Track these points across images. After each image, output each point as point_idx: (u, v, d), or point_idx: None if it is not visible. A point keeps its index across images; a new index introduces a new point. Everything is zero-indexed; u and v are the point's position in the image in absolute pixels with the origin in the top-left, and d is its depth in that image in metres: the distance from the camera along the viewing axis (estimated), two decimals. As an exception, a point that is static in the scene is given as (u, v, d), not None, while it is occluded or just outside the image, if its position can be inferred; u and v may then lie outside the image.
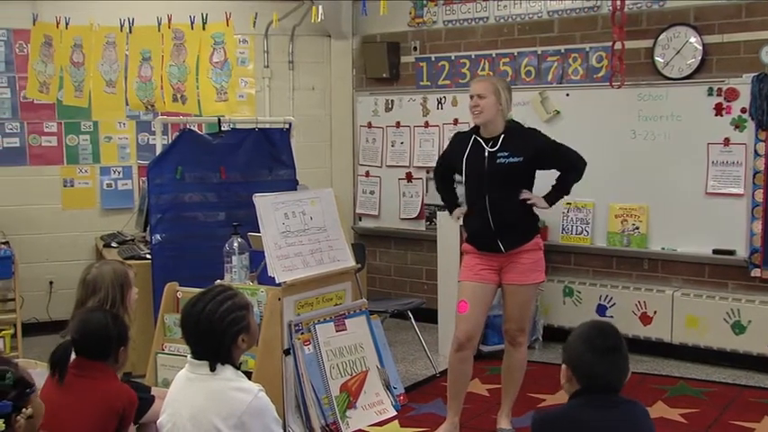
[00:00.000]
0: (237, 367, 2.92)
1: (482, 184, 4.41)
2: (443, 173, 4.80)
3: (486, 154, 4.40)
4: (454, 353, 4.52)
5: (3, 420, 2.33)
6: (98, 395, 3.10)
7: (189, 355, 2.92)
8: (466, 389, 4.64)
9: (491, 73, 6.71)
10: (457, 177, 4.68)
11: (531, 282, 4.48)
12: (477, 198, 4.45)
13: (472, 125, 4.58)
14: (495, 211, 4.39)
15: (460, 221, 4.73)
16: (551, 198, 4.52)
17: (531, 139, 4.46)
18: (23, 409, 2.39)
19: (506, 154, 4.36)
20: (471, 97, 4.46)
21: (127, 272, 3.83)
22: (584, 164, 4.53)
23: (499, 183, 4.36)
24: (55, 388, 3.09)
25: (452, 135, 4.84)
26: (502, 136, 4.41)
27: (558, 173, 4.55)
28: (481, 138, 4.46)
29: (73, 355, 3.19)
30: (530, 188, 4.48)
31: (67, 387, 3.09)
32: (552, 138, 4.56)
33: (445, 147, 4.83)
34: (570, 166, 4.51)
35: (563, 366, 2.65)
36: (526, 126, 4.65)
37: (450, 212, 4.78)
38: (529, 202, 4.41)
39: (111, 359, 3.23)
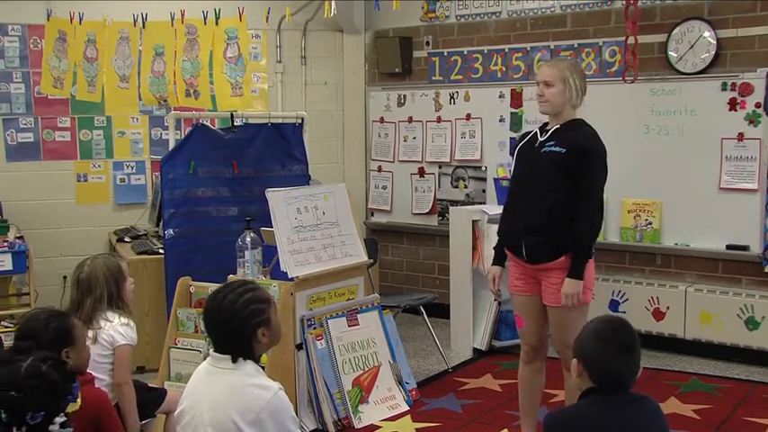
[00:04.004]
0: (259, 363, 2.93)
1: (525, 177, 4.01)
2: None
3: (537, 144, 3.97)
4: (524, 366, 4.20)
5: (78, 399, 2.33)
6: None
7: (211, 349, 2.94)
8: (539, 403, 4.30)
9: (503, 68, 6.70)
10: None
11: (560, 304, 3.94)
12: (517, 193, 4.06)
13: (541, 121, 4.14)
14: (526, 208, 3.96)
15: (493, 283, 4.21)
16: (574, 269, 3.91)
17: (582, 135, 3.92)
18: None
19: (552, 143, 3.91)
20: (537, 84, 4.00)
21: (119, 264, 3.82)
22: (591, 217, 3.93)
23: (540, 176, 3.91)
24: None
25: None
26: (557, 126, 3.95)
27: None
28: (541, 129, 4.02)
29: None
30: (566, 194, 3.90)
31: None
32: (599, 154, 3.95)
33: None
34: (582, 195, 3.88)
35: (574, 361, 2.65)
36: (588, 126, 4.04)
37: (494, 262, 4.22)
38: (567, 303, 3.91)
39: None
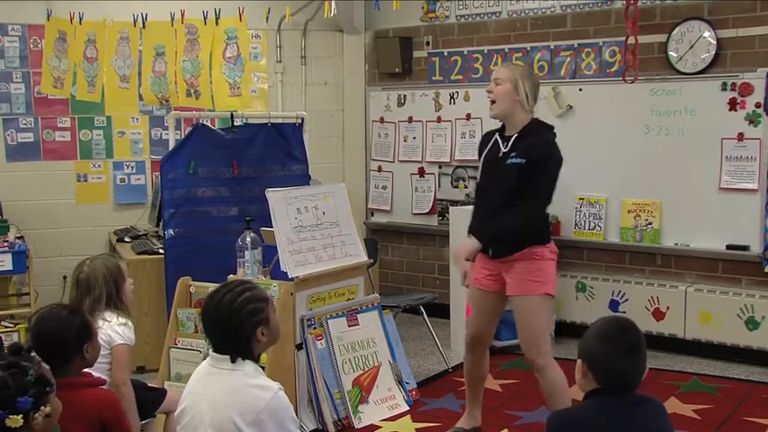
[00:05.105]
0: (258, 363, 2.93)
1: (490, 183, 4.19)
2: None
3: (501, 155, 4.12)
4: (466, 354, 4.47)
5: (21, 416, 2.35)
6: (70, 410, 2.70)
7: (210, 349, 2.93)
8: (482, 386, 4.52)
9: (504, 68, 6.69)
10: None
11: (524, 293, 4.07)
12: (482, 197, 4.28)
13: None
14: (490, 212, 4.13)
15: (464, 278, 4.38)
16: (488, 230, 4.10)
17: (539, 144, 4.05)
18: (42, 407, 2.40)
19: (514, 154, 4.05)
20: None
21: (119, 265, 3.81)
22: (535, 213, 4.08)
23: (504, 185, 4.06)
24: None
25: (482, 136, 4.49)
26: (515, 135, 4.09)
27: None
28: (501, 136, 4.19)
29: None
30: (536, 195, 4.06)
31: None
32: (555, 163, 4.08)
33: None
34: (533, 195, 4.03)
35: (579, 361, 2.62)
36: (546, 131, 4.19)
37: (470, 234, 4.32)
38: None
39: (72, 364, 3.01)
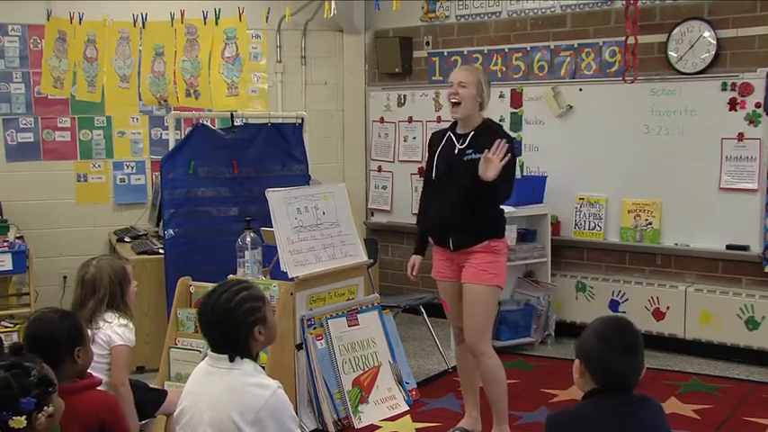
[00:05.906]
0: (257, 362, 2.93)
1: (446, 180, 4.30)
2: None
3: (456, 151, 4.27)
4: (456, 346, 4.59)
5: (25, 417, 2.34)
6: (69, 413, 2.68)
7: (209, 349, 2.93)
8: (476, 382, 4.55)
9: (503, 68, 6.69)
10: None
11: (478, 282, 4.23)
12: (438, 192, 4.35)
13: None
14: (449, 207, 4.27)
15: (413, 271, 4.57)
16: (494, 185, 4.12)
17: (495, 138, 4.17)
18: (45, 408, 2.40)
19: (471, 151, 4.22)
20: (451, 85, 4.29)
21: (124, 267, 3.81)
22: (501, 196, 4.24)
23: (461, 180, 4.21)
24: None
25: (429, 137, 4.59)
26: (472, 133, 4.26)
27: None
28: (455, 134, 4.33)
29: None
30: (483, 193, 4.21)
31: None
32: (513, 157, 4.20)
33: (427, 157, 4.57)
34: (488, 190, 4.16)
35: (576, 361, 2.62)
36: (500, 128, 4.46)
37: (416, 252, 4.58)
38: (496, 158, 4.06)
39: (63, 366, 2.95)
